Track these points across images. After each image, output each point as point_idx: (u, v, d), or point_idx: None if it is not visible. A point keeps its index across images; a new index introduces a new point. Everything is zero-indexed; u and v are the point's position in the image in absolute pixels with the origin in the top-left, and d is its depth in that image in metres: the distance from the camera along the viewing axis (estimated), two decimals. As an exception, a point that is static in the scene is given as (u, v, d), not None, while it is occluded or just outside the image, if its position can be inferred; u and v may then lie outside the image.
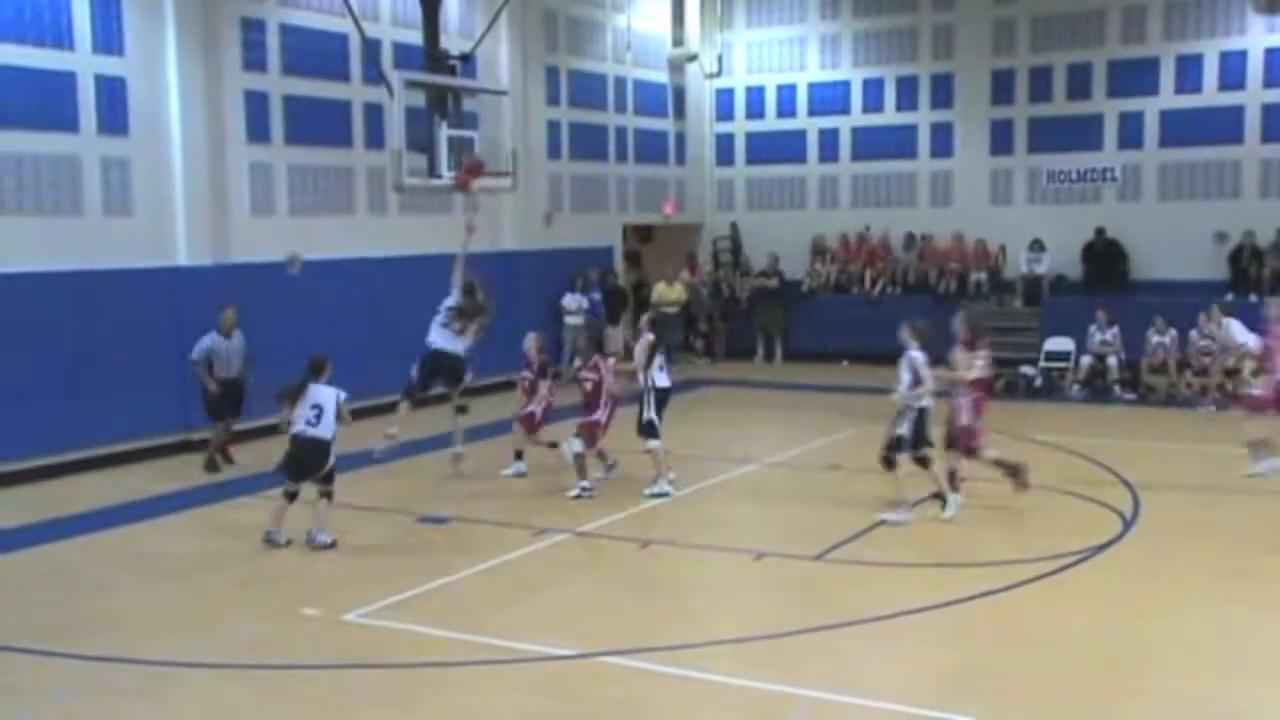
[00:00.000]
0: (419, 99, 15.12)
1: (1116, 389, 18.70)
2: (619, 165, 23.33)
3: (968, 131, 23.30)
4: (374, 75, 16.71)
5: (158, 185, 15.06)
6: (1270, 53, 20.81)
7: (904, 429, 11.29)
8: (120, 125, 14.66)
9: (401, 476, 13.88)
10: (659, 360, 12.67)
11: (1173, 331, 18.74)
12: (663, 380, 12.65)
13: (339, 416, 10.74)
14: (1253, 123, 21.00)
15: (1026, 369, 19.49)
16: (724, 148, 25.60)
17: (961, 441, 11.45)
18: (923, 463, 11.42)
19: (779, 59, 24.86)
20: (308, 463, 10.71)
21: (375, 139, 17.47)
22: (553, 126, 21.63)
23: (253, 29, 16.23)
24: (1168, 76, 21.59)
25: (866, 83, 24.11)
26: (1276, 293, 17.86)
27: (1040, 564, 9.79)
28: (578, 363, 13.45)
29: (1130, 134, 21.90)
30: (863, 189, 24.27)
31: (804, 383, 20.35)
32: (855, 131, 24.28)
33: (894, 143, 23.84)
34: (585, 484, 12.42)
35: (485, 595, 9.51)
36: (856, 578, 9.81)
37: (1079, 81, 22.26)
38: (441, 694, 7.57)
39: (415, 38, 16.29)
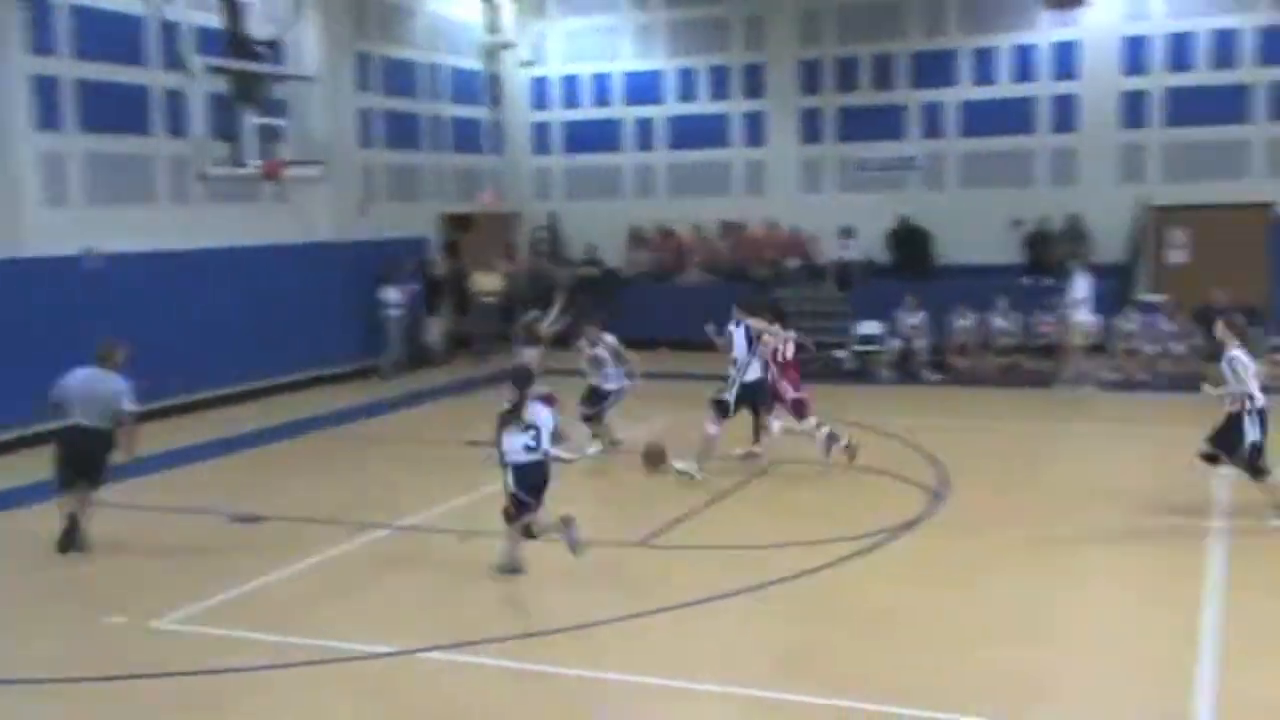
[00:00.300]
0: (223, 86, 14.63)
1: (925, 371, 19.40)
2: (435, 154, 23.02)
3: (779, 120, 23.80)
4: (174, 60, 16.06)
5: (-63, 175, 14.17)
6: (1057, 46, 21.89)
7: (1254, 434, 10.32)
8: (-107, 111, 13.74)
9: (212, 474, 13.41)
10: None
11: (973, 315, 19.61)
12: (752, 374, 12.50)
13: (556, 436, 9.61)
14: (1043, 114, 22.07)
15: (839, 353, 20.05)
16: (541, 137, 25.52)
17: None
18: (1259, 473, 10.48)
19: (594, 48, 24.90)
20: (540, 486, 9.40)
21: (178, 127, 16.77)
22: (365, 114, 21.19)
23: (39, 9, 15.36)
24: (966, 69, 22.50)
25: (680, 72, 24.38)
26: (1066, 275, 18.69)
27: (855, 542, 10.06)
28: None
29: (932, 124, 22.74)
30: (679, 178, 24.55)
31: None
32: (670, 120, 24.54)
33: (708, 132, 24.18)
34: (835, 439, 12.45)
35: (303, 595, 9.26)
36: (681, 562, 9.91)
37: (884, 72, 22.99)
38: (257, 699, 7.33)
39: (217, 21, 15.74)
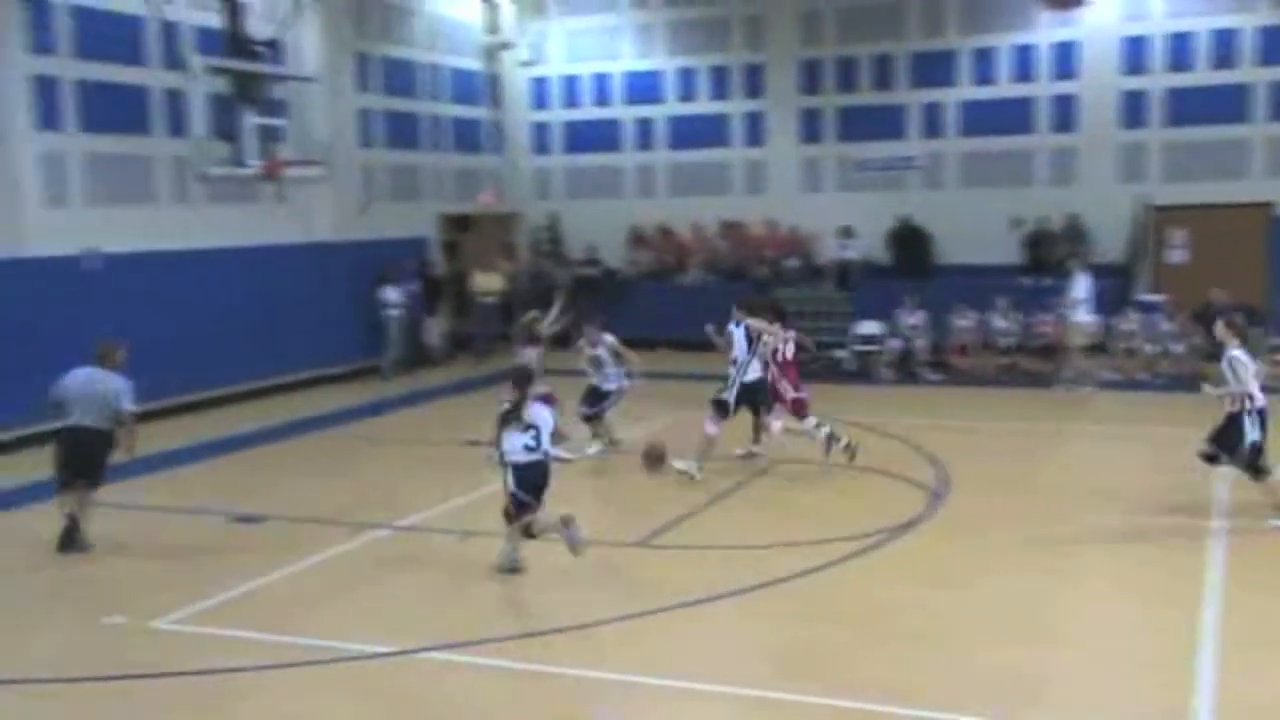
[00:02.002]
0: (223, 86, 14.64)
1: (925, 371, 19.40)
2: (434, 154, 23.02)
3: (779, 120, 23.81)
4: (174, 60, 16.06)
5: (-63, 176, 14.17)
6: (1057, 47, 21.89)
7: (1254, 434, 10.31)
8: (-107, 111, 13.74)
9: (212, 475, 13.41)
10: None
11: (973, 314, 19.62)
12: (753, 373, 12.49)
13: (556, 436, 9.59)
14: (1042, 113, 22.07)
15: (839, 352, 20.05)
16: (541, 136, 25.53)
17: None
18: (1257, 472, 10.47)
19: (594, 48, 24.90)
20: (540, 486, 9.43)
21: (177, 127, 16.76)
22: (365, 115, 21.19)
23: (37, 9, 15.36)
24: (965, 69, 22.50)
25: (680, 72, 24.40)
26: (1066, 275, 18.69)
27: (855, 542, 10.07)
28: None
29: (932, 124, 22.73)
30: (679, 177, 24.57)
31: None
32: (670, 120, 24.56)
33: (708, 132, 24.19)
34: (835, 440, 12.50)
35: (303, 596, 9.26)
36: (681, 562, 9.91)
37: (883, 72, 22.99)
38: (256, 700, 7.34)
39: (217, 21, 15.74)
